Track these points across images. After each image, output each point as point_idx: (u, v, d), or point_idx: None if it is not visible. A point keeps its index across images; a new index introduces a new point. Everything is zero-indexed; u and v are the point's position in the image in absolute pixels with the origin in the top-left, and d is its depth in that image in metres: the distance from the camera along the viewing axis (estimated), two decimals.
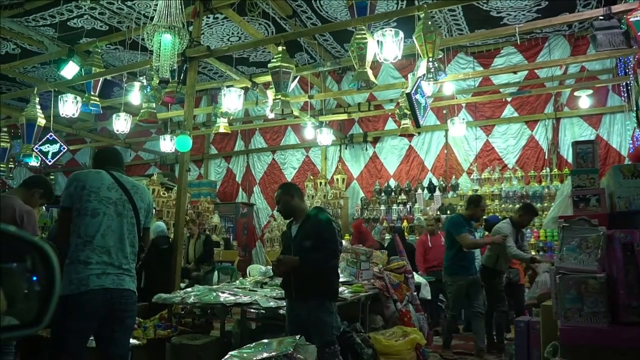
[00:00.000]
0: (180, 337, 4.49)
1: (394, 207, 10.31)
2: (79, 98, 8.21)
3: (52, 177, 14.32)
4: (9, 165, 10.67)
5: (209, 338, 4.62)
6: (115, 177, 3.24)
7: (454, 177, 10.35)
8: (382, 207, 10.38)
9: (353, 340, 4.23)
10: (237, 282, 5.75)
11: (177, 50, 6.06)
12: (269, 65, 6.33)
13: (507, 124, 10.48)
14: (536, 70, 10.10)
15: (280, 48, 6.37)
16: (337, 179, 11.11)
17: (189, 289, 5.19)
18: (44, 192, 3.98)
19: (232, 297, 4.64)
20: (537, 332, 4.93)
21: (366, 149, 11.32)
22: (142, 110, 7.14)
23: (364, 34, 5.83)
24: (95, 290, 2.96)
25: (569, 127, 10.10)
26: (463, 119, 9.56)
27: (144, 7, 8.96)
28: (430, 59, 5.61)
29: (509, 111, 10.56)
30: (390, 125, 11.28)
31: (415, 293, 6.40)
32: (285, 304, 4.49)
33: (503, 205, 9.46)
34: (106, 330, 3.06)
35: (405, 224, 9.85)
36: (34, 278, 0.92)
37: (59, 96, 8.21)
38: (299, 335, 3.05)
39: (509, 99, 10.44)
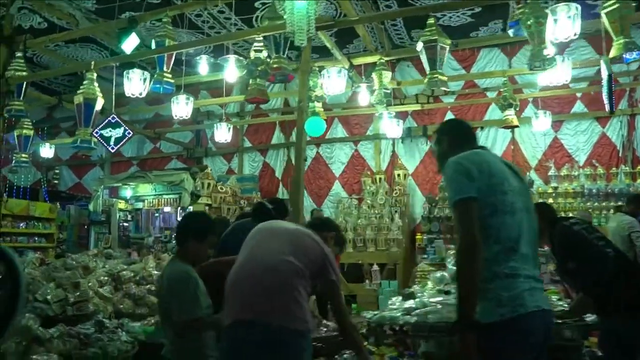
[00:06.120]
0: None
1: None
2: (147, 74, 7.12)
3: (56, 170, 12.71)
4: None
5: None
6: (498, 158, 2.42)
7: (528, 174, 9.80)
8: None
9: None
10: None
11: (314, 14, 5.18)
12: (422, 39, 5.52)
13: (579, 119, 10.05)
14: None
15: (431, 20, 5.59)
16: (399, 175, 10.35)
17: (406, 304, 4.20)
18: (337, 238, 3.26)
19: None
20: None
21: (426, 143, 10.61)
22: (249, 88, 6.18)
23: (543, 7, 5.21)
24: (534, 313, 2.13)
25: None
26: (546, 113, 9.07)
27: None
28: (626, 37, 5.05)
29: (578, 107, 10.11)
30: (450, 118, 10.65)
31: None
32: None
33: (588, 204, 8.99)
34: None
35: None
36: None
37: (125, 72, 7.10)
38: None
39: (578, 95, 10.03)
